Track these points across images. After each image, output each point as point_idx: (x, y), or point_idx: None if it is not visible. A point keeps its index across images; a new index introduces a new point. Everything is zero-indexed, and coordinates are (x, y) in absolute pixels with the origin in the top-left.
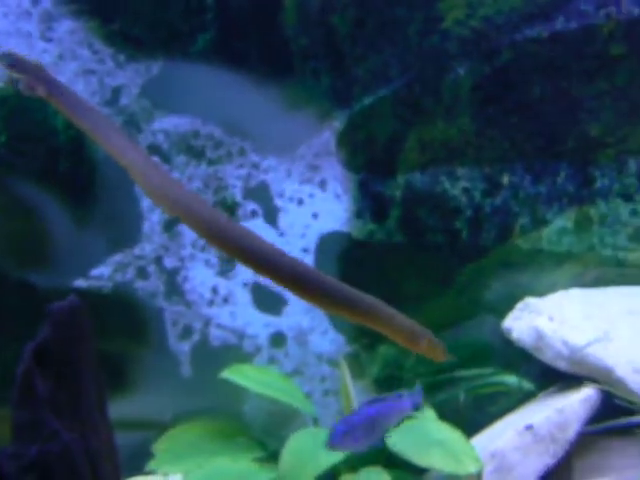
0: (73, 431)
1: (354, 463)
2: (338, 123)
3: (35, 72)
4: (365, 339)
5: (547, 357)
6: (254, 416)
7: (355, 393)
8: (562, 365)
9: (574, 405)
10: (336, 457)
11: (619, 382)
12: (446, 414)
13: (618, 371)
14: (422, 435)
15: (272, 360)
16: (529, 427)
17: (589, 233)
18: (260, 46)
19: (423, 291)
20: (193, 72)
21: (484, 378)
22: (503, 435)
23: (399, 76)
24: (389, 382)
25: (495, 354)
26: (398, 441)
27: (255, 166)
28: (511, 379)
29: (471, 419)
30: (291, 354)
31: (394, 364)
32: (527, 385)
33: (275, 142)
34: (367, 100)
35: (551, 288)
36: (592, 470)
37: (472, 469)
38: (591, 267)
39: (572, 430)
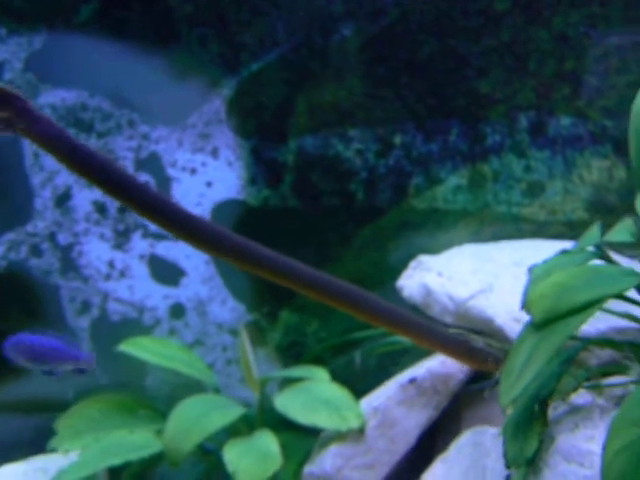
0: None
1: (251, 424)
2: (227, 90)
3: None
4: (266, 307)
5: (435, 312)
6: (157, 389)
7: (256, 361)
8: (448, 319)
9: None
10: (224, 421)
11: (499, 331)
12: (347, 376)
13: (498, 320)
14: (310, 395)
15: (172, 332)
16: (412, 380)
17: (483, 190)
18: (144, 15)
19: (321, 255)
20: (78, 44)
21: (384, 338)
22: (387, 390)
23: (286, 40)
24: (292, 348)
25: None
26: (286, 402)
27: (145, 137)
28: None
29: (374, 380)
30: (191, 325)
31: (296, 330)
32: None
33: (165, 112)
34: (255, 66)
35: (448, 247)
36: (479, 419)
37: (354, 424)
38: (487, 224)
39: (455, 381)
